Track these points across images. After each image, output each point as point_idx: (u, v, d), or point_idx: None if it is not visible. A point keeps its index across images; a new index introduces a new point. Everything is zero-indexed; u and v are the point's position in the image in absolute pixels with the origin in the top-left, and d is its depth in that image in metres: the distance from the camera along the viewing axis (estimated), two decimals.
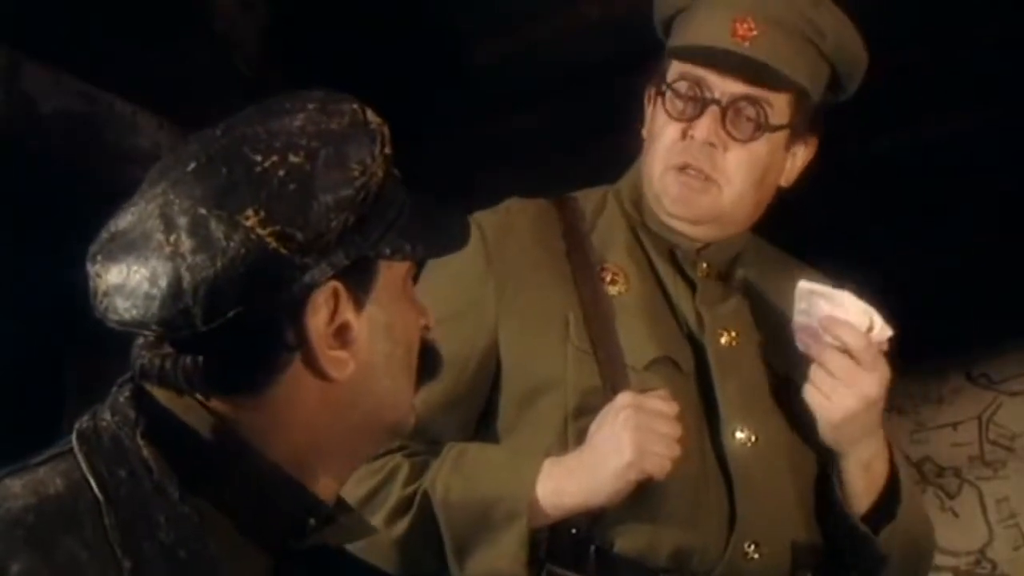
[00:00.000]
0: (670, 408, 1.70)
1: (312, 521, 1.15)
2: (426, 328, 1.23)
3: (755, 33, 1.78)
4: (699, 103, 1.79)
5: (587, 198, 1.91)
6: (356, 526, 1.23)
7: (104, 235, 1.11)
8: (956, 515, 4.34)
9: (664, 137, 1.81)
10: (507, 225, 1.85)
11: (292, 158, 1.09)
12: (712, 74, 1.79)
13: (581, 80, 2.81)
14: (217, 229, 1.06)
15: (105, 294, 1.09)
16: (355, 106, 1.16)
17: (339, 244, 1.10)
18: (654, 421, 1.67)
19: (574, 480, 1.69)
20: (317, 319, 1.10)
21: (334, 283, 1.10)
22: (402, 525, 1.72)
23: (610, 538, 1.72)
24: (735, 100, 1.79)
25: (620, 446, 1.66)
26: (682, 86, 1.80)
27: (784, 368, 1.84)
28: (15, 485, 1.08)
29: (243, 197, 1.07)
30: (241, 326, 1.07)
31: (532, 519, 1.69)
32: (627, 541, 1.72)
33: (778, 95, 1.81)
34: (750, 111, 1.80)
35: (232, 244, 1.05)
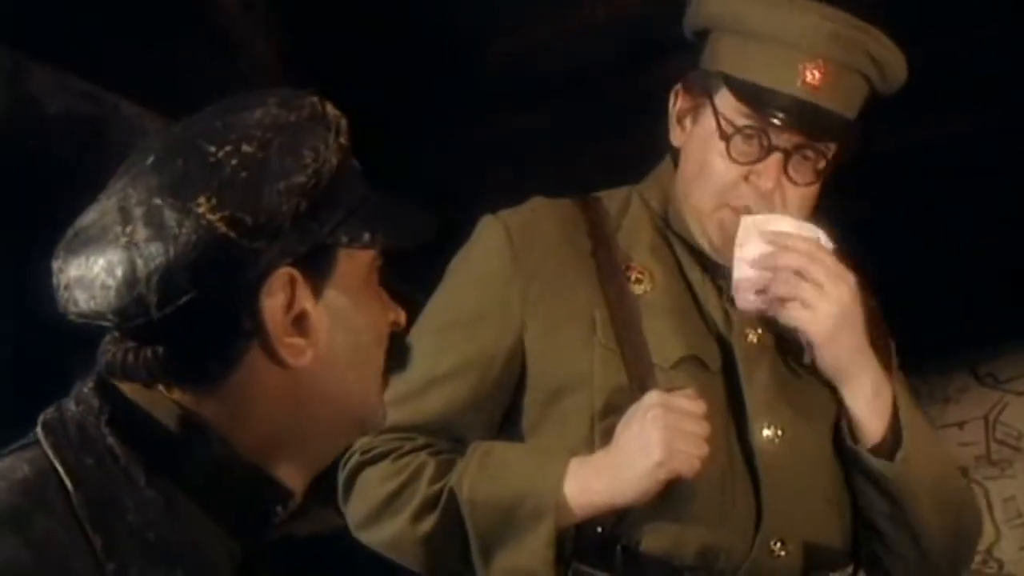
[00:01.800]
0: (698, 407, 1.69)
1: (279, 510, 1.16)
2: (395, 324, 1.23)
3: (826, 79, 1.74)
4: (764, 150, 1.77)
5: (611, 198, 1.91)
6: (325, 519, 1.25)
7: (69, 233, 1.13)
8: None
9: (724, 176, 1.78)
10: (533, 224, 1.85)
11: (245, 147, 1.10)
12: (778, 120, 1.75)
13: (587, 80, 2.81)
14: (170, 218, 1.07)
15: (66, 287, 1.11)
16: (315, 99, 1.16)
17: (293, 230, 1.10)
18: (682, 420, 1.67)
19: (601, 479, 1.69)
20: (272, 304, 1.11)
21: (289, 269, 1.11)
22: (428, 523, 1.73)
23: (636, 537, 1.71)
24: (800, 148, 1.78)
25: (649, 445, 1.66)
26: (745, 132, 1.77)
27: (808, 366, 1.83)
28: None
29: (196, 186, 1.08)
30: (196, 313, 1.08)
31: (559, 518, 1.69)
32: (653, 540, 1.72)
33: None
34: (812, 156, 1.79)
35: (184, 231, 1.07)
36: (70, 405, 1.13)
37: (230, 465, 1.12)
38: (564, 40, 2.94)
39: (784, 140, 1.77)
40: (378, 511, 1.76)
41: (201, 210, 1.07)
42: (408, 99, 3.14)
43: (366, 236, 1.16)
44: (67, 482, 1.06)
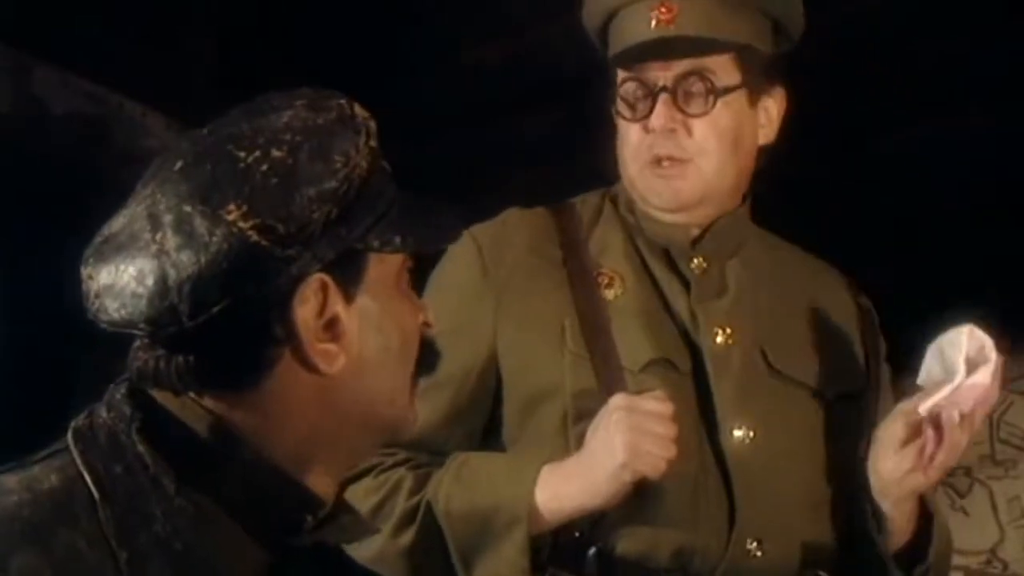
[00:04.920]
0: (665, 408, 1.69)
1: (309, 518, 1.15)
2: (425, 324, 1.23)
3: (675, 12, 1.81)
4: (648, 98, 1.82)
5: (585, 203, 1.93)
6: (356, 526, 1.23)
7: (97, 239, 1.12)
8: (967, 514, 4.33)
9: (629, 140, 1.84)
10: (503, 237, 1.87)
11: (275, 152, 1.09)
12: (650, 67, 1.82)
13: (585, 83, 2.81)
14: (201, 225, 1.07)
15: (96, 295, 1.10)
16: (342, 101, 1.16)
17: (324, 236, 1.09)
18: (647, 421, 1.67)
19: (571, 484, 1.70)
20: (304, 312, 1.10)
21: (321, 276, 1.10)
22: (408, 536, 1.74)
23: (611, 540, 1.72)
24: (679, 80, 1.82)
25: (613, 448, 1.67)
26: (628, 88, 1.84)
27: (782, 364, 1.84)
28: (9, 481, 1.08)
29: (226, 192, 1.08)
30: (228, 321, 1.07)
31: (531, 525, 1.70)
32: (628, 543, 1.72)
33: (719, 59, 1.83)
34: (698, 85, 1.82)
35: (215, 239, 1.06)
36: (101, 412, 1.13)
37: (261, 474, 1.11)
38: (565, 41, 2.95)
39: (662, 81, 1.82)
40: None
41: (232, 217, 1.07)
42: (409, 100, 3.15)
43: (396, 240, 1.15)
44: (95, 493, 1.06)
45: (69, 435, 1.11)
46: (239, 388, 1.11)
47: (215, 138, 1.13)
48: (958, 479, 4.37)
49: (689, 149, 1.81)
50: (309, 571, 1.17)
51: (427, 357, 1.23)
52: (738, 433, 1.78)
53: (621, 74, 1.85)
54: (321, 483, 1.16)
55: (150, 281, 1.06)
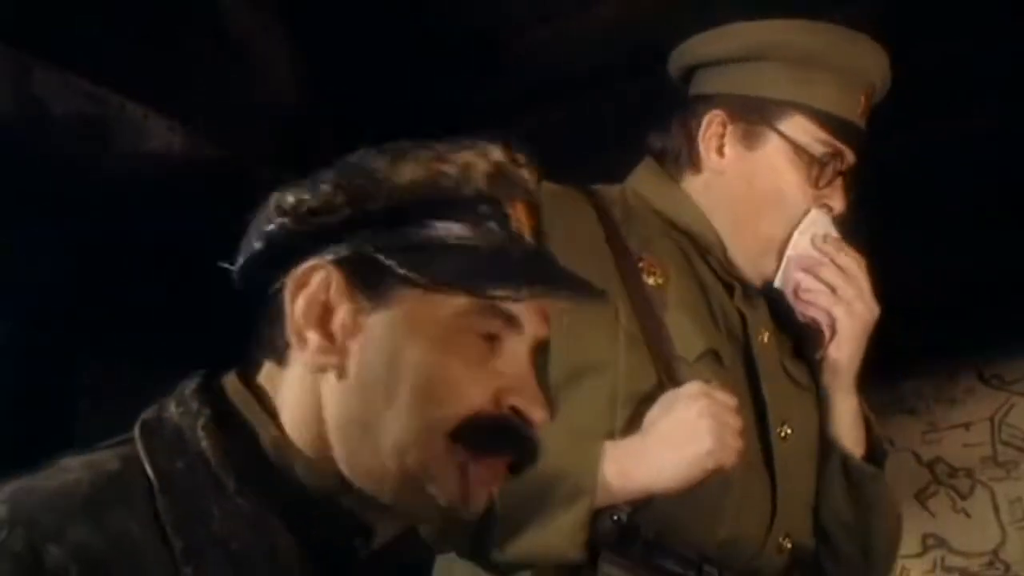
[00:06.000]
0: (733, 401, 1.70)
1: (358, 542, 1.13)
2: (512, 406, 1.13)
3: (867, 105, 1.90)
4: (836, 174, 1.87)
5: (606, 193, 1.92)
6: (406, 541, 1.20)
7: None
8: (969, 516, 4.33)
9: (801, 201, 1.87)
10: (554, 201, 1.76)
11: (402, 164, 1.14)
12: (844, 146, 1.87)
13: (585, 83, 2.81)
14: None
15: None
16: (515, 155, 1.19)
17: (347, 230, 1.11)
18: (725, 413, 1.68)
19: (642, 464, 1.67)
20: (306, 292, 1.12)
21: (331, 266, 1.11)
22: None
23: (654, 527, 1.70)
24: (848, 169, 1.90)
25: (699, 434, 1.65)
26: (823, 150, 1.86)
27: (791, 367, 1.89)
28: (72, 462, 1.09)
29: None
30: (256, 290, 1.12)
31: (595, 500, 1.66)
32: (674, 531, 1.71)
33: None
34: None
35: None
36: (170, 405, 1.13)
37: (308, 489, 1.10)
38: (590, 35, 2.94)
39: (845, 166, 1.89)
40: None
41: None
42: (435, 93, 3.14)
43: (430, 276, 1.10)
44: (154, 482, 1.06)
45: (136, 426, 1.11)
46: (271, 363, 1.15)
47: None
48: (960, 481, 4.37)
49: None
50: None
51: (517, 445, 1.14)
52: (780, 430, 1.81)
53: (815, 132, 1.86)
54: (366, 508, 1.13)
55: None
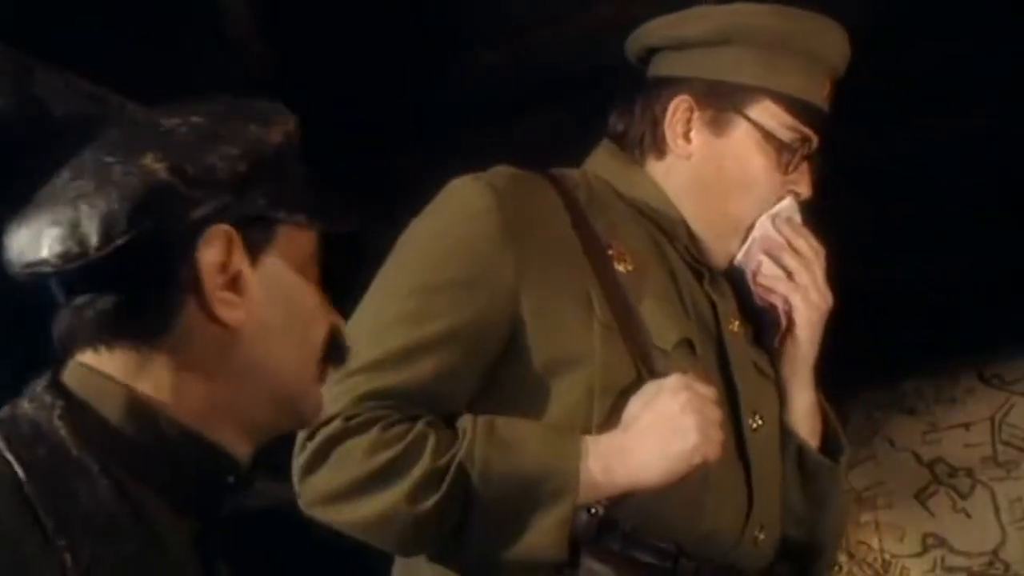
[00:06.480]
0: (713, 392, 1.68)
1: (230, 479, 1.19)
2: (334, 324, 1.27)
3: (828, 92, 1.88)
4: (803, 159, 1.85)
5: (567, 178, 1.86)
6: (272, 490, 1.28)
7: (23, 209, 1.18)
8: (969, 516, 4.34)
9: (770, 186, 1.85)
10: (518, 190, 1.77)
11: (194, 119, 1.18)
12: (811, 132, 1.86)
13: (585, 83, 2.81)
14: (118, 171, 1.14)
15: (17, 249, 1.15)
16: (265, 102, 1.24)
17: (233, 192, 1.15)
18: (707, 406, 1.65)
19: (626, 460, 1.63)
20: (208, 256, 1.14)
21: (227, 228, 1.15)
22: (430, 499, 1.60)
23: (634, 520, 1.67)
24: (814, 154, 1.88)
25: (684, 430, 1.62)
26: (792, 136, 1.85)
27: (761, 359, 1.87)
28: None
29: (146, 146, 1.15)
30: (135, 256, 1.11)
31: (578, 498, 1.62)
32: (651, 525, 1.68)
33: None
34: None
35: (128, 178, 1.13)
36: (23, 403, 1.15)
37: (176, 440, 1.15)
38: (574, 42, 2.95)
39: (810, 149, 1.86)
40: (362, 485, 1.62)
41: (146, 161, 1.14)
42: (412, 101, 3.14)
43: (303, 216, 1.21)
44: (19, 472, 1.08)
45: None
46: (147, 338, 1.15)
47: (145, 116, 1.23)
48: (960, 481, 4.38)
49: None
50: (234, 537, 1.22)
51: (335, 350, 1.27)
52: (752, 421, 1.79)
53: (783, 117, 1.85)
54: (235, 445, 1.19)
55: (64, 220, 1.12)
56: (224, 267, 1.15)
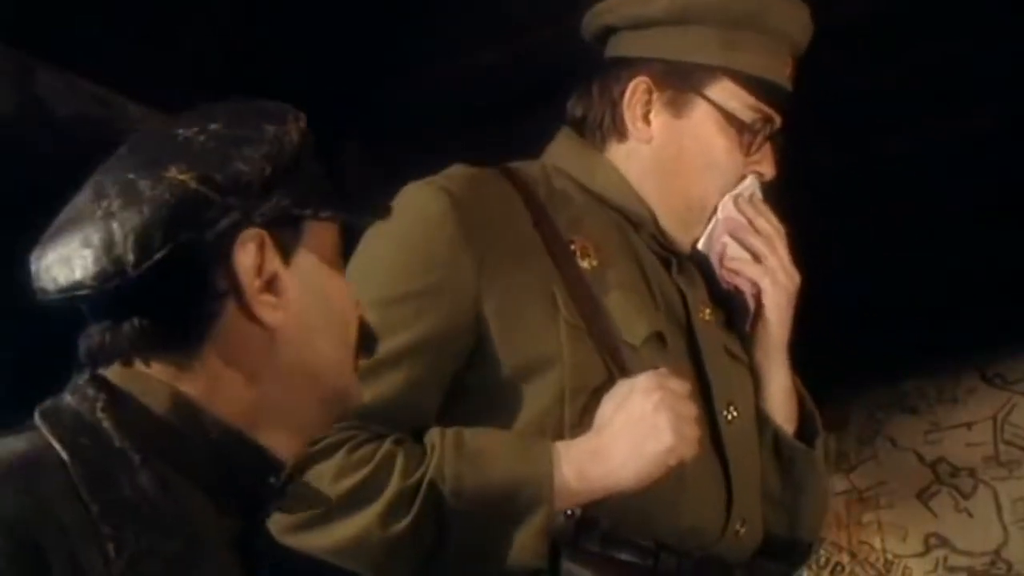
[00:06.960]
0: (685, 388, 1.64)
1: (273, 479, 1.18)
2: (360, 314, 1.28)
3: (791, 71, 1.84)
4: (765, 139, 1.82)
5: (527, 171, 1.82)
6: (312, 495, 1.29)
7: (47, 231, 1.17)
8: (971, 515, 4.33)
9: (733, 168, 1.82)
10: (474, 191, 1.72)
11: (211, 126, 1.18)
12: (773, 112, 1.82)
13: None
14: (144, 186, 1.13)
15: (46, 270, 1.14)
16: (271, 102, 1.25)
17: (261, 194, 1.16)
18: (680, 403, 1.61)
19: (601, 463, 1.60)
20: (244, 261, 1.14)
21: (259, 230, 1.15)
22: (402, 519, 1.57)
23: (612, 518, 1.63)
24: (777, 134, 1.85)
25: (658, 430, 1.59)
26: (755, 117, 1.81)
27: (733, 344, 1.83)
28: None
29: (168, 158, 1.15)
30: (171, 270, 1.11)
31: (555, 505, 1.59)
32: (632, 523, 1.65)
33: None
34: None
35: (156, 191, 1.12)
36: (66, 397, 1.15)
37: (220, 440, 1.14)
38: (562, 44, 2.94)
39: (772, 129, 1.83)
40: (333, 511, 1.58)
41: (172, 173, 1.13)
42: (412, 101, 3.15)
43: (329, 211, 1.22)
44: (64, 455, 1.08)
45: (36, 415, 1.13)
46: (187, 348, 1.14)
47: (156, 129, 1.23)
48: (962, 480, 4.37)
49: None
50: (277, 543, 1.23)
51: (366, 340, 1.28)
52: (727, 413, 1.76)
53: (743, 98, 1.80)
54: (279, 446, 1.19)
55: (96, 240, 1.11)
56: (260, 270, 1.15)
